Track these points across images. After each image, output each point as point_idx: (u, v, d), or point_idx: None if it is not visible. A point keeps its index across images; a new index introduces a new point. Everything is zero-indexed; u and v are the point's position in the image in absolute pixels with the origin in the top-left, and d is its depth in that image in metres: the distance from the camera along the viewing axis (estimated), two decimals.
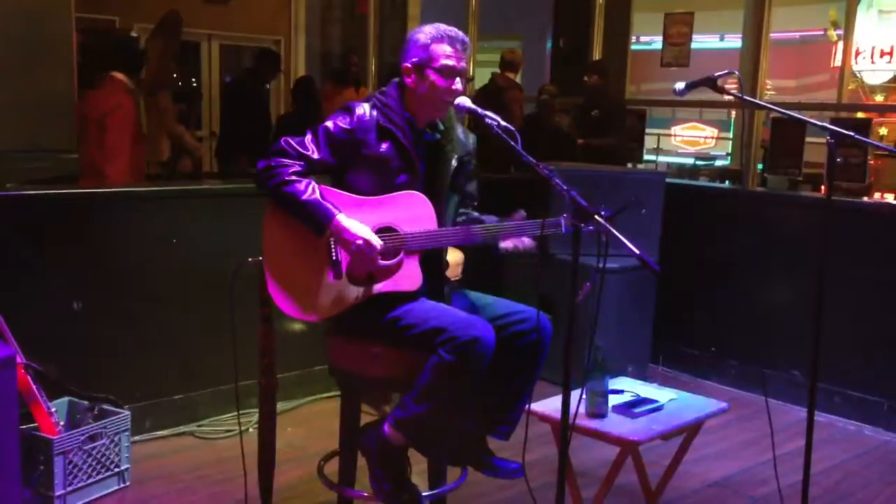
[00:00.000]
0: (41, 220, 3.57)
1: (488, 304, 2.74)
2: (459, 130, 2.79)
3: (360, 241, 2.50)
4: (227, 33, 8.60)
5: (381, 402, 4.11)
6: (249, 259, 2.66)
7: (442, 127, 2.75)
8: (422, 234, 2.62)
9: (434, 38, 2.63)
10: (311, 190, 2.51)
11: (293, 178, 2.51)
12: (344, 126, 2.60)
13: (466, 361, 2.44)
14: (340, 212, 2.52)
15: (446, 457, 2.79)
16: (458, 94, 2.63)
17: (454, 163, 2.74)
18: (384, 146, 2.62)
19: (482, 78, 7.11)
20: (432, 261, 2.70)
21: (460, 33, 2.68)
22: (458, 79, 2.64)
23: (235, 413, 3.94)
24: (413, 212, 2.63)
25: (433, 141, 2.73)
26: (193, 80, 8.36)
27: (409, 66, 2.64)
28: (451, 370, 2.46)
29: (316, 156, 2.57)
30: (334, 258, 2.54)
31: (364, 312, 2.59)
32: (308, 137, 2.60)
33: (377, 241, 2.53)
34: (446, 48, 2.63)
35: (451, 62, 2.63)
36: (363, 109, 2.63)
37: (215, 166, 7.86)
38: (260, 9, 8.51)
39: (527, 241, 2.64)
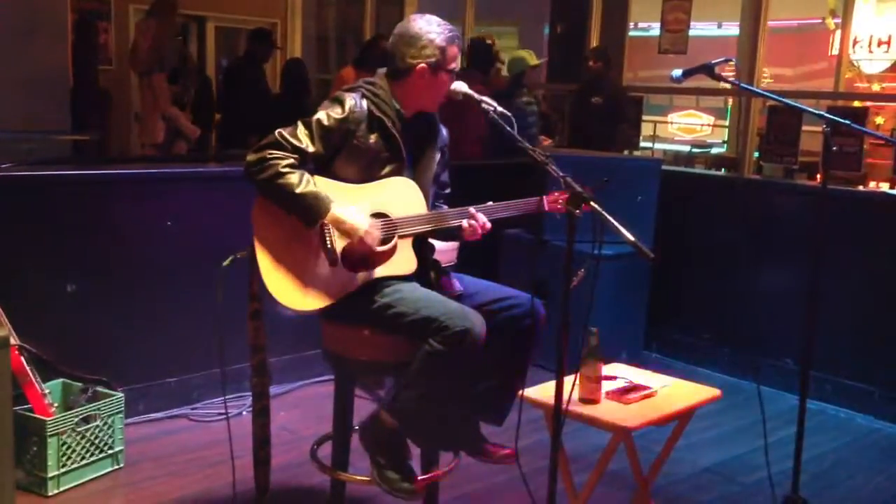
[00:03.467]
0: (35, 202, 3.56)
1: (481, 289, 2.74)
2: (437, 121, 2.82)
3: (360, 232, 2.51)
4: (223, 15, 8.57)
5: (374, 386, 4.12)
6: (238, 255, 2.64)
7: (430, 119, 2.76)
8: (415, 217, 2.62)
9: (448, 39, 2.64)
10: (306, 182, 2.49)
11: (287, 170, 2.48)
12: (336, 117, 2.57)
13: (456, 351, 2.45)
14: (333, 202, 2.51)
15: (438, 443, 2.80)
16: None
17: (438, 154, 2.76)
18: (373, 137, 2.61)
19: None
20: (420, 244, 2.70)
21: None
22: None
23: (231, 395, 3.97)
24: (403, 197, 2.64)
25: (420, 131, 2.74)
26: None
27: (426, 66, 2.62)
28: (441, 360, 2.46)
29: (311, 149, 2.54)
30: (329, 245, 2.54)
31: (356, 298, 2.59)
32: (301, 129, 2.56)
33: (376, 230, 2.53)
34: (456, 50, 2.66)
35: (456, 63, 2.67)
36: (353, 100, 2.61)
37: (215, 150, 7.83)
38: None
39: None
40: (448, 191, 2.90)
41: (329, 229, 2.53)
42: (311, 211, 2.49)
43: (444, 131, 2.84)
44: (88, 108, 6.31)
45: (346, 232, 2.53)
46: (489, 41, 6.29)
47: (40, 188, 3.60)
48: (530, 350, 2.69)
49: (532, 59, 6.12)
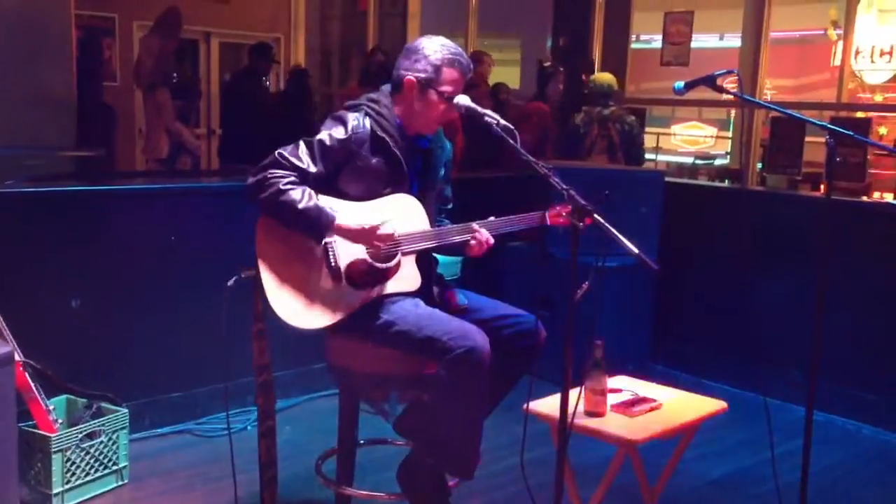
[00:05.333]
0: (40, 217, 3.56)
1: (484, 306, 2.74)
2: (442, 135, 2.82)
3: (371, 233, 2.51)
4: (227, 31, 8.60)
5: (379, 400, 4.10)
6: (243, 275, 2.64)
7: (432, 135, 2.76)
8: (418, 234, 2.62)
9: (447, 60, 2.61)
10: (308, 197, 2.48)
11: (288, 186, 2.48)
12: (339, 137, 2.57)
13: (462, 374, 2.45)
14: (337, 213, 2.51)
15: (452, 460, 2.76)
16: (447, 118, 2.67)
17: (442, 170, 2.76)
18: (377, 158, 2.60)
19: None
20: (423, 259, 2.70)
21: (467, 58, 2.68)
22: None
23: (235, 410, 3.96)
24: (406, 214, 2.64)
25: (424, 148, 2.74)
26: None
27: (414, 80, 2.61)
28: (451, 386, 2.47)
29: (313, 169, 2.54)
30: (333, 264, 2.53)
31: (360, 314, 2.59)
32: (302, 149, 2.55)
33: (388, 227, 2.53)
34: (455, 74, 2.62)
35: (454, 89, 2.62)
36: (356, 120, 2.60)
37: (215, 164, 7.86)
38: (259, 6, 8.52)
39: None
40: (450, 206, 2.90)
41: (332, 246, 2.53)
42: (316, 225, 2.48)
43: (448, 146, 2.84)
44: (93, 124, 6.32)
45: (355, 236, 2.52)
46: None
47: (45, 204, 3.60)
48: (527, 369, 2.69)
49: (615, 83, 6.18)
